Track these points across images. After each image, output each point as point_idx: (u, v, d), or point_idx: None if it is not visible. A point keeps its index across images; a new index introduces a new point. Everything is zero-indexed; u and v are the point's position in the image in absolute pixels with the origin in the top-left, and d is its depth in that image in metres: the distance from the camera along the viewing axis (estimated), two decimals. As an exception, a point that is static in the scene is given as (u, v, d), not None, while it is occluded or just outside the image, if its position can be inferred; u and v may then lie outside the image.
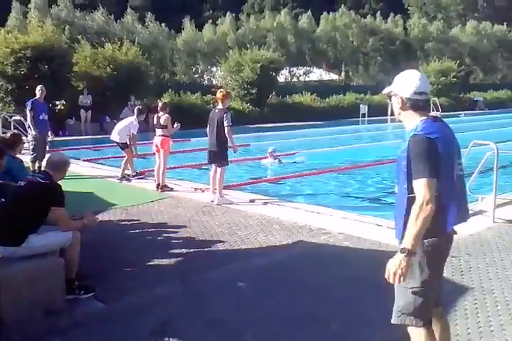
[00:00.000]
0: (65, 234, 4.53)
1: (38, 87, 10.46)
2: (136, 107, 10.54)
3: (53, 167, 4.68)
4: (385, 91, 3.10)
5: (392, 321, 3.01)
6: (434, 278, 2.94)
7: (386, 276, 2.80)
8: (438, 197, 2.73)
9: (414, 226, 2.71)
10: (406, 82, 2.98)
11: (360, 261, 5.48)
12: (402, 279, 2.76)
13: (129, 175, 10.31)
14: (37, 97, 10.34)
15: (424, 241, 2.82)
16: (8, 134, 6.74)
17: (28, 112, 10.29)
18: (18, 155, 6.53)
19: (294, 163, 12.98)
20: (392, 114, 3.30)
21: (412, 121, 2.94)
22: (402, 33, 41.44)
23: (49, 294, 4.26)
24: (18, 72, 18.64)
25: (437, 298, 3.09)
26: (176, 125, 9.38)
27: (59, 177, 4.69)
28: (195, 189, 9.22)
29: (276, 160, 12.61)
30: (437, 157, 2.77)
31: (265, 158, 12.74)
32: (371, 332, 3.87)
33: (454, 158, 2.91)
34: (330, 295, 4.64)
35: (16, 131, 6.94)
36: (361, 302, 4.44)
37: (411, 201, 2.77)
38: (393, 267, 2.75)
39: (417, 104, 2.95)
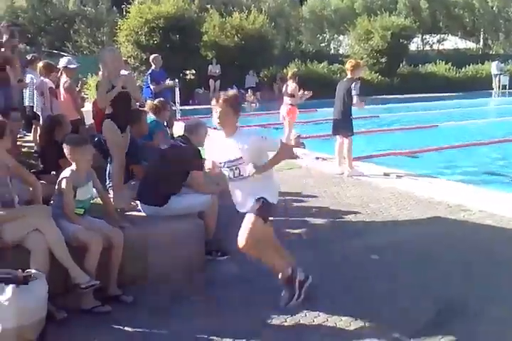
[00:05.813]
0: (205, 197, 4.62)
1: (151, 58, 10.34)
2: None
3: (190, 130, 4.78)
4: None
5: None
6: None
7: None
8: None
9: None
10: None
11: (504, 242, 5.08)
12: None
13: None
14: (153, 68, 10.22)
15: None
16: (155, 101, 7.02)
17: (151, 85, 10.07)
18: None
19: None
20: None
21: None
22: (552, -4, 37.44)
23: (190, 254, 4.39)
24: (151, 41, 19.36)
25: None
26: (301, 92, 9.26)
27: (196, 141, 4.74)
28: (322, 159, 9.04)
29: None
30: None
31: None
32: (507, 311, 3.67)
33: None
34: (471, 274, 4.36)
35: (161, 99, 7.22)
36: (500, 284, 4.15)
37: None
38: None
39: None
